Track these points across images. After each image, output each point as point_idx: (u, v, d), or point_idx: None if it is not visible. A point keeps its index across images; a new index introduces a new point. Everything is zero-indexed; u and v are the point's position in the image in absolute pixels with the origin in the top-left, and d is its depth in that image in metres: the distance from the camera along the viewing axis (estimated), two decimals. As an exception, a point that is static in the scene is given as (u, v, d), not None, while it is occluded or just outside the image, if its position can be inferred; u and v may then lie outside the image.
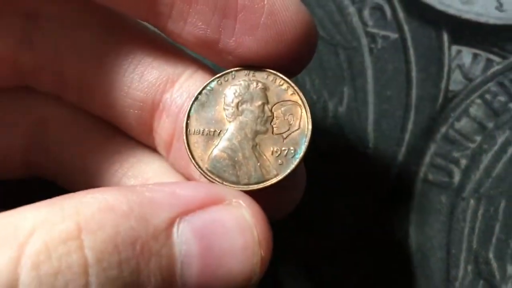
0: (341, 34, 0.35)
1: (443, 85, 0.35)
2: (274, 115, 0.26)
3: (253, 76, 0.26)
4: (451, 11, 0.35)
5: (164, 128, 0.27)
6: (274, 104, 0.26)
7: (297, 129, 0.25)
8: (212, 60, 0.27)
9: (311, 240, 0.33)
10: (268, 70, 0.26)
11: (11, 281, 0.18)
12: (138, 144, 0.29)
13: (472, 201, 0.33)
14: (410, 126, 0.34)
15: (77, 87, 0.28)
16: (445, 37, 0.35)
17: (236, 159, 0.25)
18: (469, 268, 0.32)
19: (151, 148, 0.29)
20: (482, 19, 0.35)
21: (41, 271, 0.19)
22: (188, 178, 0.28)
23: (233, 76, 0.26)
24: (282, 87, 0.26)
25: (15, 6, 0.27)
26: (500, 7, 0.35)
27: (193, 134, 0.25)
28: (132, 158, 0.29)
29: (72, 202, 0.21)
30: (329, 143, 0.34)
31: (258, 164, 0.25)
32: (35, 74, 0.28)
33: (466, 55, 0.35)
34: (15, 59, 0.28)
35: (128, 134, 0.29)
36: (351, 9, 0.35)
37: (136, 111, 0.27)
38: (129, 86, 0.27)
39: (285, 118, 0.26)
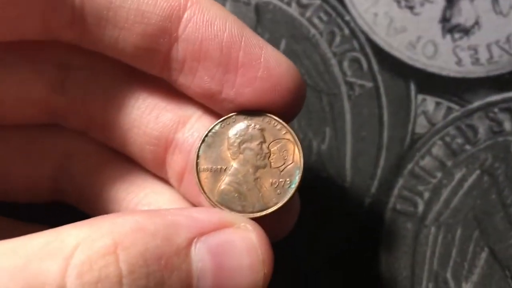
0: (324, 82, 0.38)
1: (410, 128, 0.37)
2: (271, 151, 0.27)
3: (251, 119, 0.28)
4: (418, 65, 0.38)
5: (177, 163, 0.29)
6: (271, 142, 0.27)
7: (291, 163, 0.27)
8: (215, 108, 0.28)
9: (296, 258, 0.35)
10: (263, 113, 0.28)
11: (60, 287, 0.20)
12: (152, 176, 0.31)
13: (433, 228, 0.35)
14: (381, 162, 0.36)
15: (101, 127, 0.30)
16: (412, 87, 0.37)
17: (241, 191, 0.27)
18: (430, 286, 0.34)
19: (163, 179, 0.31)
20: (444, 73, 0.37)
21: (84, 280, 0.20)
22: (197, 206, 0.29)
23: (234, 120, 0.28)
24: (276, 128, 0.28)
25: (49, 57, 0.29)
26: (459, 62, 0.38)
27: (203, 171, 0.27)
28: (146, 188, 0.30)
29: (108, 222, 0.22)
30: (313, 176, 0.36)
31: (260, 194, 0.27)
32: (65, 115, 0.30)
33: (430, 103, 0.37)
34: (48, 102, 0.30)
35: (144, 167, 0.31)
36: (333, 61, 0.38)
37: (151, 147, 0.29)
38: (146, 126, 0.29)
39: (281, 154, 0.27)
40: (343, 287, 0.35)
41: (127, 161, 0.31)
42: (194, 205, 0.30)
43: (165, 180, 0.31)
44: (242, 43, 0.27)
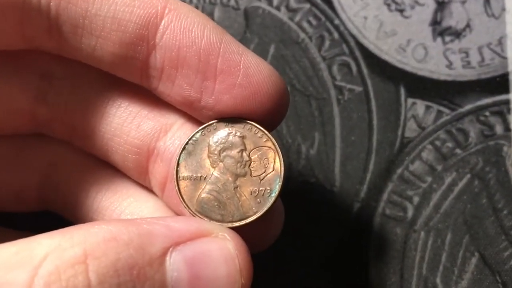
0: (313, 86, 0.37)
1: (399, 132, 0.36)
2: (252, 159, 0.27)
3: (231, 126, 0.27)
4: (408, 68, 0.37)
5: (158, 172, 0.29)
6: (251, 150, 0.27)
7: (271, 171, 0.27)
8: (195, 116, 0.28)
9: (285, 263, 0.35)
10: (244, 120, 0.27)
11: None
12: (136, 185, 0.30)
13: (422, 233, 0.35)
14: (371, 167, 0.36)
15: (83, 136, 0.30)
16: (402, 90, 0.37)
17: (220, 200, 0.27)
18: None
19: (147, 188, 0.30)
20: (434, 76, 0.37)
21: None
22: (179, 214, 0.29)
23: (215, 127, 0.27)
24: (257, 135, 0.27)
25: (33, 67, 0.29)
26: (449, 65, 0.37)
27: (183, 179, 0.27)
28: (130, 197, 0.30)
29: (81, 231, 0.22)
30: (302, 181, 0.36)
31: (240, 203, 0.27)
32: (49, 124, 0.30)
33: (420, 106, 0.37)
34: (32, 112, 0.29)
35: (127, 176, 0.30)
36: (322, 65, 0.37)
37: (133, 156, 0.29)
38: (127, 135, 0.29)
39: (261, 162, 0.27)
40: (331, 293, 0.35)
41: (111, 169, 0.31)
42: (177, 213, 0.29)
43: (149, 189, 0.31)
44: (221, 49, 0.26)
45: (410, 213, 0.35)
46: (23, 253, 0.21)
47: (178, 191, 0.27)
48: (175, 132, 0.29)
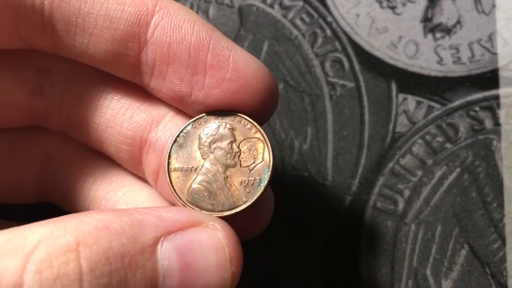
0: (306, 82, 0.38)
1: (391, 127, 0.37)
2: (241, 150, 0.27)
3: (221, 119, 0.28)
4: (399, 64, 0.38)
5: (151, 162, 0.29)
6: (241, 142, 0.28)
7: (260, 162, 0.27)
8: (186, 111, 0.29)
9: (278, 255, 0.35)
10: (234, 113, 0.28)
11: (17, 283, 0.20)
12: (131, 175, 0.31)
13: (413, 226, 0.35)
14: (362, 161, 0.36)
15: (79, 128, 0.30)
16: (394, 86, 0.37)
17: (211, 190, 0.27)
18: (410, 282, 0.34)
19: (141, 178, 0.31)
20: (425, 72, 0.37)
21: (43, 276, 0.20)
22: (173, 204, 0.29)
23: (205, 120, 0.28)
24: (246, 127, 0.28)
25: (29, 62, 0.30)
26: (440, 61, 0.38)
27: (174, 171, 0.27)
28: (125, 187, 0.31)
29: (74, 220, 0.22)
30: (295, 175, 0.36)
31: (230, 193, 0.27)
32: (45, 117, 0.30)
33: (411, 102, 0.37)
34: (28, 105, 0.30)
35: (122, 166, 0.31)
36: (315, 62, 0.38)
37: (127, 147, 0.29)
38: (120, 126, 0.29)
39: (251, 153, 0.27)
40: (323, 284, 0.35)
41: (106, 160, 0.31)
42: (171, 203, 0.30)
43: (143, 179, 0.31)
44: (210, 45, 0.27)
45: (401, 206, 0.36)
46: (15, 241, 0.21)
47: (169, 182, 0.28)
48: (166, 123, 0.29)
